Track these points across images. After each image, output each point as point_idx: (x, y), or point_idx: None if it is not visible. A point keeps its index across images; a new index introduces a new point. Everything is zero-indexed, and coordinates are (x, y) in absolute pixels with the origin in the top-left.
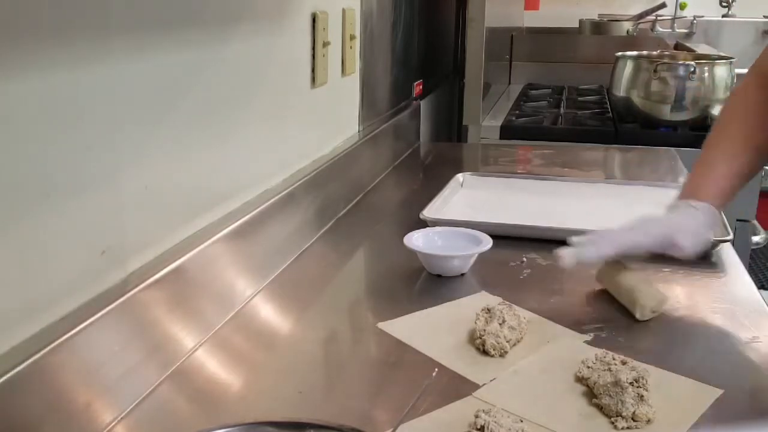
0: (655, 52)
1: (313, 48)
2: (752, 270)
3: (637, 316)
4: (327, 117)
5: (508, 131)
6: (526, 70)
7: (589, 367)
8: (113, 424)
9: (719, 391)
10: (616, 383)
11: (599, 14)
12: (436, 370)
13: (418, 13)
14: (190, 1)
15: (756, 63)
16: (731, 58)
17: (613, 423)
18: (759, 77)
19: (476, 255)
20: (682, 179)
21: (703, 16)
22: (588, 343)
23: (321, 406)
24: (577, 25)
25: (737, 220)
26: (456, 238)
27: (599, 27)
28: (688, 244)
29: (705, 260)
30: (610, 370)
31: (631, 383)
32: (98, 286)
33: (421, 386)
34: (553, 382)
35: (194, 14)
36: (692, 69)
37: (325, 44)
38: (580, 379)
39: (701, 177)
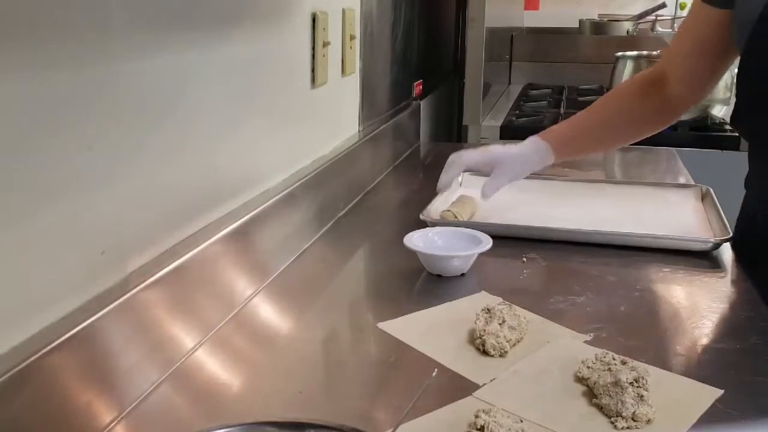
0: (655, 52)
1: (313, 48)
2: None
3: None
4: (327, 117)
5: (508, 131)
6: (526, 70)
7: (589, 367)
8: (113, 423)
9: (719, 391)
10: (616, 383)
11: (599, 14)
12: (436, 370)
13: (418, 13)
14: (191, 1)
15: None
16: None
17: (613, 423)
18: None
19: (476, 255)
20: (682, 179)
21: None
22: (588, 343)
23: (321, 406)
24: (577, 25)
25: None
26: (456, 238)
27: (599, 27)
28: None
29: (705, 260)
30: (610, 370)
31: (631, 383)
32: (98, 286)
33: (421, 386)
34: (553, 382)
35: (194, 14)
36: None
37: (325, 44)
38: (580, 379)
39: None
